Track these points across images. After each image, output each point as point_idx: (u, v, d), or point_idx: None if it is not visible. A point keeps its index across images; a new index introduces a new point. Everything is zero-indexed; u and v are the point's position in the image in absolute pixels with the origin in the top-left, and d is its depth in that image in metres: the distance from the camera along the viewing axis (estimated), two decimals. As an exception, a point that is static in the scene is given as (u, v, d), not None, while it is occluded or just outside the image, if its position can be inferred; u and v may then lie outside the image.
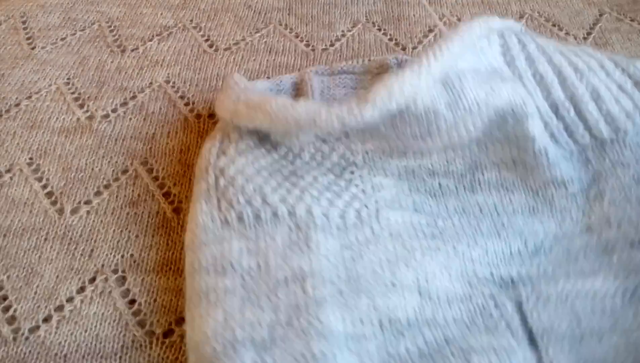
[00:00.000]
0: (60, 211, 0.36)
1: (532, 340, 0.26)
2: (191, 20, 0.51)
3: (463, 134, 0.30)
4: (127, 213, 0.36)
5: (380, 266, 0.28)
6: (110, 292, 0.32)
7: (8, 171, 0.38)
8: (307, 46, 0.49)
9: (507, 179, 0.32)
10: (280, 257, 0.28)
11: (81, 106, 0.43)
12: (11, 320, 0.31)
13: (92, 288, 0.32)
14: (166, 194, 0.37)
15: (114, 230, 0.35)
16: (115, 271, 0.33)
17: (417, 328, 0.26)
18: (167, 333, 0.31)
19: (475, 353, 0.25)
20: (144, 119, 0.42)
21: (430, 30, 0.50)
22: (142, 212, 0.36)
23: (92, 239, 0.35)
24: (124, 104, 0.43)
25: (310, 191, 0.31)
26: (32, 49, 0.48)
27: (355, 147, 0.33)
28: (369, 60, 0.41)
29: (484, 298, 0.27)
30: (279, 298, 0.26)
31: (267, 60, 0.47)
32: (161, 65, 0.47)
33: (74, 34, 0.50)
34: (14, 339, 0.30)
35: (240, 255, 0.28)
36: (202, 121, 0.42)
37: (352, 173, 0.32)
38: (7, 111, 0.43)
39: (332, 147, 0.33)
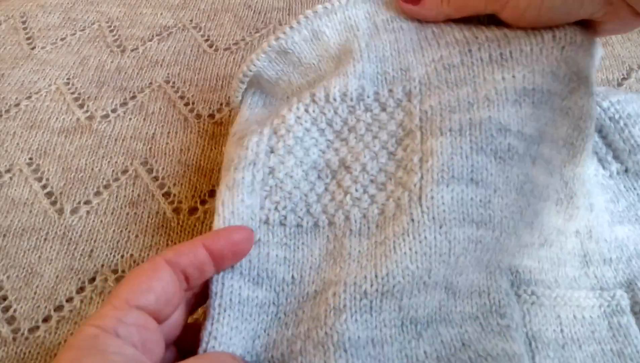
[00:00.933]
0: (60, 211, 0.36)
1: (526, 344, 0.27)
2: (191, 20, 0.51)
3: (543, 61, 0.29)
4: (127, 213, 0.36)
5: (414, 262, 0.25)
6: (109, 292, 0.32)
7: (8, 171, 0.38)
8: (307, 46, 0.49)
9: (554, 160, 0.30)
10: (314, 270, 0.27)
11: (81, 106, 0.43)
12: (11, 320, 0.31)
13: (92, 288, 0.32)
14: (166, 194, 0.37)
15: (113, 230, 0.35)
16: (115, 271, 0.33)
17: (435, 328, 0.26)
18: (167, 334, 0.31)
19: (493, 359, 0.25)
20: (144, 119, 0.42)
21: (430, 30, 0.50)
22: (142, 212, 0.36)
23: (91, 239, 0.35)
24: (124, 104, 0.43)
25: (352, 192, 0.29)
26: (32, 49, 0.48)
27: (415, 110, 0.30)
28: None
29: (500, 293, 0.27)
30: (304, 312, 0.26)
31: (267, 60, 0.47)
32: (161, 65, 0.47)
33: (74, 34, 0.50)
34: (14, 339, 0.30)
35: (277, 264, 0.28)
36: (202, 121, 0.42)
37: (404, 149, 0.29)
38: (7, 111, 0.43)
39: (391, 115, 0.30)
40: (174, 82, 0.45)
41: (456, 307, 0.26)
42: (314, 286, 0.27)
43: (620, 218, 0.32)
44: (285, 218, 0.29)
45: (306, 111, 0.31)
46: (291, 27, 0.33)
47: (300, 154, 0.30)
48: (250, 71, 0.33)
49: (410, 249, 0.26)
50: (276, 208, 0.29)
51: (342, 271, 0.26)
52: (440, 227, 0.26)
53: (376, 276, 0.25)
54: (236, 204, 0.29)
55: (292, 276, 0.27)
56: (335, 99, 0.31)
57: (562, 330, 0.28)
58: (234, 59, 0.47)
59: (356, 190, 0.29)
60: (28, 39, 0.49)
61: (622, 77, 0.45)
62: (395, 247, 0.26)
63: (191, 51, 0.48)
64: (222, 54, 0.48)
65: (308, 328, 0.25)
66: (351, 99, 0.31)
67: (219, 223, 0.29)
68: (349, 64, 0.31)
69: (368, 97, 0.31)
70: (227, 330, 0.26)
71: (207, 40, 0.49)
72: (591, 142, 0.31)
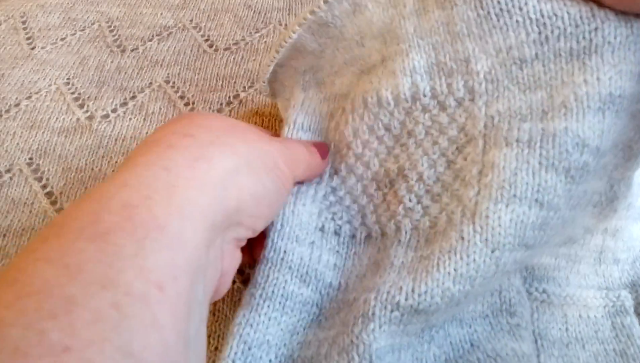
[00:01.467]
0: (60, 211, 0.36)
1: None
2: (191, 20, 0.51)
3: (630, 59, 0.24)
4: (127, 213, 0.36)
5: (457, 285, 0.23)
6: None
7: (8, 171, 0.38)
8: (307, 46, 0.49)
9: (609, 164, 0.28)
10: (359, 279, 0.27)
11: (81, 106, 0.43)
12: (11, 320, 0.31)
13: (92, 288, 0.32)
14: (166, 194, 0.37)
15: (113, 230, 0.35)
16: (115, 271, 0.33)
17: (445, 329, 0.26)
18: (167, 333, 0.31)
19: (502, 360, 0.25)
20: (144, 119, 0.42)
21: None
22: (142, 212, 0.36)
23: (91, 239, 0.35)
24: (124, 104, 0.43)
25: (406, 202, 0.27)
26: (32, 49, 0.48)
27: (479, 113, 0.26)
28: None
29: (512, 291, 0.27)
30: (340, 317, 0.25)
31: (267, 60, 0.47)
32: (161, 65, 0.47)
33: (74, 34, 0.50)
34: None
35: (327, 269, 0.28)
36: (202, 121, 0.42)
37: (465, 158, 0.26)
38: (7, 111, 0.43)
39: (451, 116, 0.27)
40: (174, 82, 0.45)
41: (468, 306, 0.26)
42: (355, 294, 0.26)
43: (638, 215, 0.31)
44: (340, 228, 0.29)
45: (361, 119, 0.29)
46: (326, 2, 0.29)
47: (360, 171, 0.29)
48: (286, 42, 0.31)
49: (455, 270, 0.23)
50: (332, 218, 0.29)
51: (381, 279, 0.25)
52: (493, 252, 0.23)
53: (413, 290, 0.23)
54: (297, 206, 0.29)
55: (340, 283, 0.27)
56: (389, 103, 0.28)
57: (567, 329, 0.28)
58: (234, 59, 0.47)
59: (410, 200, 0.27)
60: (28, 39, 0.49)
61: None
62: (439, 265, 0.23)
63: (191, 50, 0.48)
64: (222, 54, 0.48)
65: (337, 332, 0.24)
66: (406, 100, 0.28)
67: (280, 219, 0.29)
68: (396, 58, 0.28)
69: (424, 95, 0.27)
70: (264, 319, 0.26)
71: (207, 40, 0.49)
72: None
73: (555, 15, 0.24)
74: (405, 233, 0.27)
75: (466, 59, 0.26)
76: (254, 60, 0.47)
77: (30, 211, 0.36)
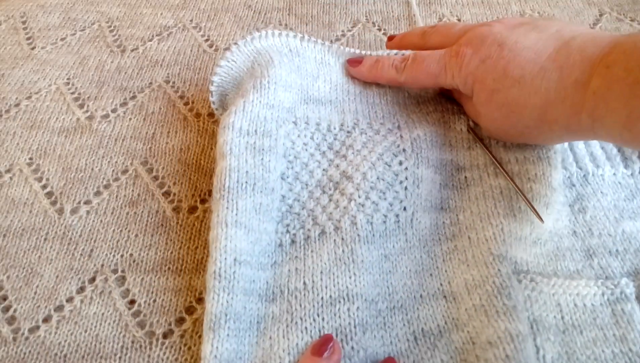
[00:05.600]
0: (60, 211, 0.36)
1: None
2: (191, 20, 0.51)
3: None
4: (127, 213, 0.36)
5: (410, 278, 0.30)
6: (110, 292, 0.32)
7: (8, 171, 0.38)
8: (307, 45, 0.49)
9: (530, 171, 0.34)
10: (326, 275, 0.29)
11: (81, 106, 0.43)
12: (11, 320, 0.31)
13: (92, 288, 0.32)
14: (166, 194, 0.37)
15: (113, 230, 0.35)
16: (114, 271, 0.33)
17: (448, 336, 0.28)
18: (167, 334, 0.31)
19: (491, 346, 0.26)
20: (144, 119, 0.42)
21: (430, 30, 0.50)
22: (142, 211, 0.36)
23: (91, 239, 0.35)
24: (124, 104, 0.43)
25: (356, 198, 0.32)
26: (32, 49, 0.48)
27: (405, 136, 0.36)
28: None
29: (501, 277, 0.29)
30: (324, 320, 0.28)
31: (267, 60, 0.47)
32: (161, 65, 0.47)
33: (74, 34, 0.50)
34: (14, 339, 0.30)
35: (289, 277, 0.30)
36: (202, 120, 0.42)
37: (400, 163, 0.34)
38: (7, 111, 0.43)
39: (384, 137, 0.36)
40: (174, 82, 0.45)
41: (461, 307, 0.28)
42: (329, 292, 0.29)
43: (634, 214, 0.34)
44: (295, 235, 0.32)
45: (311, 138, 0.35)
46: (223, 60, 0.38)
47: (305, 178, 0.34)
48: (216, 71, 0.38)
49: (406, 267, 0.31)
50: (287, 231, 0.32)
51: (357, 280, 0.29)
52: (424, 247, 0.31)
53: (385, 292, 0.30)
54: (261, 232, 0.31)
55: (304, 283, 0.29)
56: (335, 128, 0.36)
57: (562, 317, 0.29)
58: (234, 59, 0.47)
59: (359, 196, 0.32)
60: (28, 39, 0.49)
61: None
62: (397, 265, 0.31)
63: (191, 51, 0.48)
64: (222, 54, 0.48)
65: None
66: (348, 126, 0.36)
67: (246, 250, 0.30)
68: (345, 101, 0.38)
69: (362, 125, 0.37)
70: (241, 347, 0.28)
71: (207, 40, 0.49)
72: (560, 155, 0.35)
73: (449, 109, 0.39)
74: (362, 227, 0.31)
75: (394, 113, 0.38)
76: (254, 60, 0.47)
77: (30, 211, 0.36)
